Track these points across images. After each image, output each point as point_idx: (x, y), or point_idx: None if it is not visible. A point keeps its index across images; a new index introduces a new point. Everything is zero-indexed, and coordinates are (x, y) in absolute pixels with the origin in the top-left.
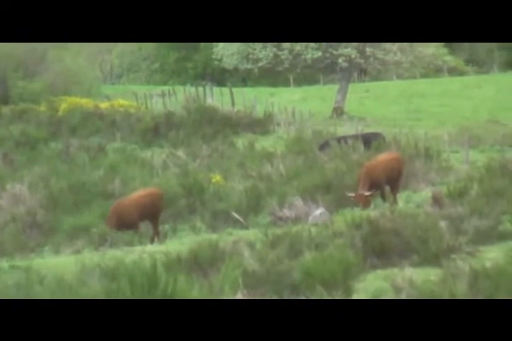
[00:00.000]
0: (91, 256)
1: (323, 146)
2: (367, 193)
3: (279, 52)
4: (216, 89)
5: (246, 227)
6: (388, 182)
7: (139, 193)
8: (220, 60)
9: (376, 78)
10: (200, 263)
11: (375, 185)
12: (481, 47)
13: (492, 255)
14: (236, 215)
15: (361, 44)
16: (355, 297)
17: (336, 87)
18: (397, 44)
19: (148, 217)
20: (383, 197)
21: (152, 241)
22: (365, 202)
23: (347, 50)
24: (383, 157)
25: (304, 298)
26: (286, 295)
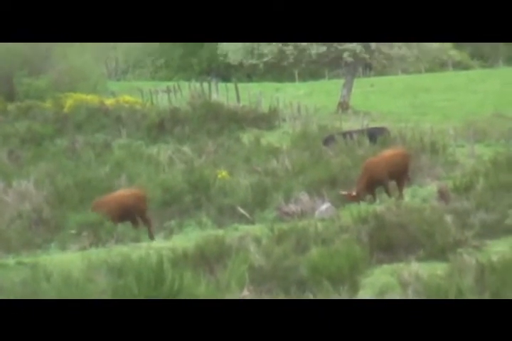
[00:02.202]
0: (97, 253)
1: (328, 140)
2: (354, 193)
3: (284, 48)
4: (221, 85)
5: (252, 222)
6: (393, 177)
7: (119, 193)
8: (225, 56)
9: (381, 73)
10: (206, 258)
11: (376, 180)
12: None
13: (498, 249)
14: (242, 211)
15: None
16: (361, 292)
17: (341, 81)
18: None
19: (130, 216)
20: (388, 193)
21: (151, 238)
22: (356, 201)
23: (352, 45)
24: (387, 153)
25: (310, 296)
26: (293, 291)
